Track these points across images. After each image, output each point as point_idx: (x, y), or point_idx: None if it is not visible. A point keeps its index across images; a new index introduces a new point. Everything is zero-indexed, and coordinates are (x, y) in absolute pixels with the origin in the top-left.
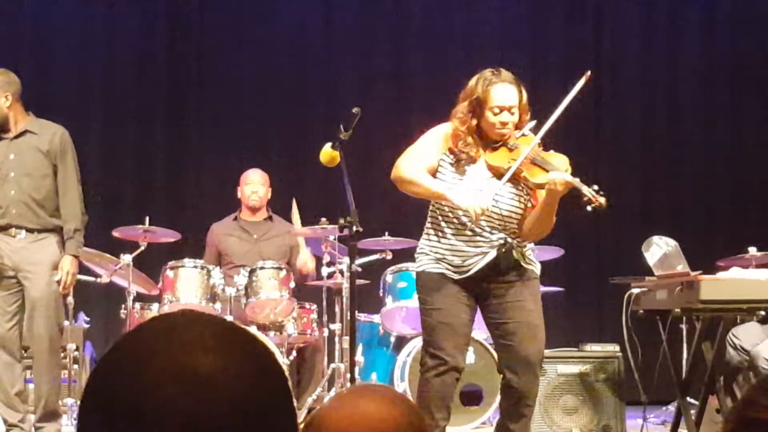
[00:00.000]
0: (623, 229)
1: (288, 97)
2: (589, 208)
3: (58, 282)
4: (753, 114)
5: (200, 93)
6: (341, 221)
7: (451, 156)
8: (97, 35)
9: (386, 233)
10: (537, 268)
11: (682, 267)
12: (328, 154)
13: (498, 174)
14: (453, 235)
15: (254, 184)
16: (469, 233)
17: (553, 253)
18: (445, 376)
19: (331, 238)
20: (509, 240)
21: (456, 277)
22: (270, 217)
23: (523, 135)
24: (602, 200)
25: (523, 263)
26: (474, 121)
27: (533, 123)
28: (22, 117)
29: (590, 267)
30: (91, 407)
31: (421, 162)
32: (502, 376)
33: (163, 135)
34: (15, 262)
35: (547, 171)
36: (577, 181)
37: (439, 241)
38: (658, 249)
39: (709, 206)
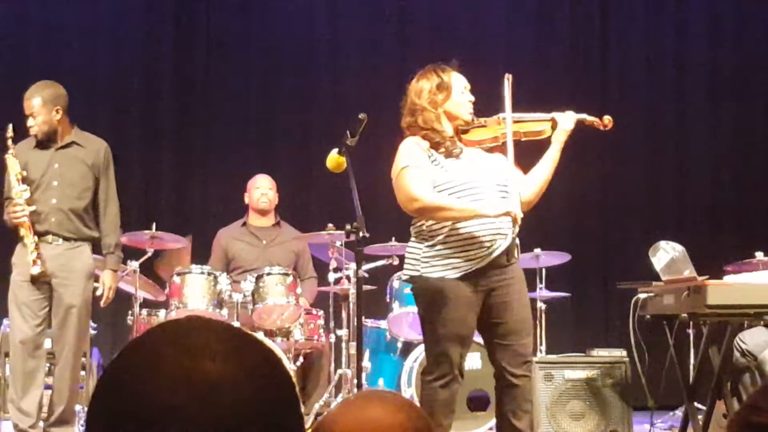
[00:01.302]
0: (630, 234)
1: (294, 103)
2: (602, 128)
3: (100, 296)
4: (760, 117)
5: (206, 99)
6: (348, 227)
7: (436, 151)
8: (104, 41)
9: (393, 239)
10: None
11: (689, 272)
12: (334, 159)
13: (487, 146)
14: (466, 224)
15: (263, 188)
16: (483, 218)
17: (560, 258)
18: (452, 384)
19: (338, 243)
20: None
21: (471, 269)
22: (278, 223)
23: (479, 121)
24: (607, 119)
25: (517, 251)
26: (440, 109)
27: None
28: (68, 129)
29: (597, 272)
30: (98, 414)
31: (428, 180)
32: (500, 378)
33: (169, 141)
34: (51, 268)
35: (542, 120)
36: (578, 114)
37: (447, 237)
38: (665, 254)
39: (716, 211)
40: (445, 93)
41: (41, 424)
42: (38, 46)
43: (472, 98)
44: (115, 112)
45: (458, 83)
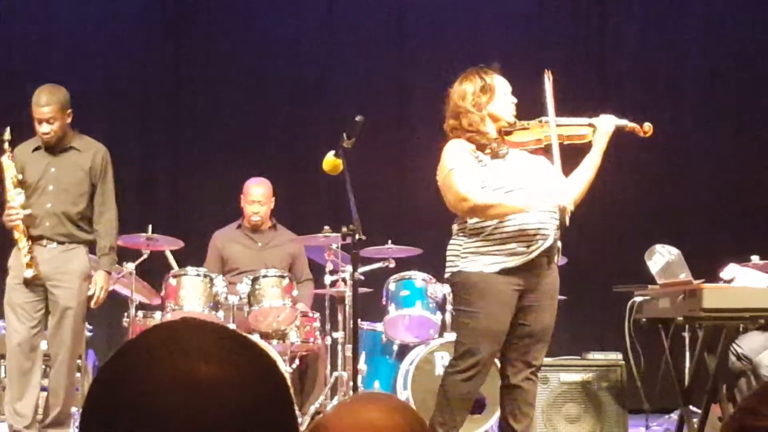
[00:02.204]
0: (626, 237)
1: (291, 105)
2: (642, 135)
3: (91, 297)
4: (758, 120)
5: (203, 100)
6: (344, 229)
7: (481, 153)
8: (99, 43)
9: (389, 241)
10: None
11: (684, 275)
12: (331, 162)
13: (531, 149)
14: (510, 223)
15: (255, 205)
16: (527, 217)
17: None
18: (475, 380)
19: (334, 246)
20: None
21: (511, 264)
22: (274, 226)
23: (522, 123)
24: (647, 126)
25: (558, 254)
26: (485, 111)
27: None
28: (68, 132)
29: (593, 275)
30: (92, 415)
31: (476, 179)
32: (504, 377)
33: (165, 142)
34: (45, 271)
35: (583, 125)
36: (619, 120)
37: (490, 234)
38: (661, 257)
39: (712, 214)
40: (489, 95)
41: (37, 425)
42: (32, 47)
43: (515, 100)
44: (111, 114)
45: (501, 86)
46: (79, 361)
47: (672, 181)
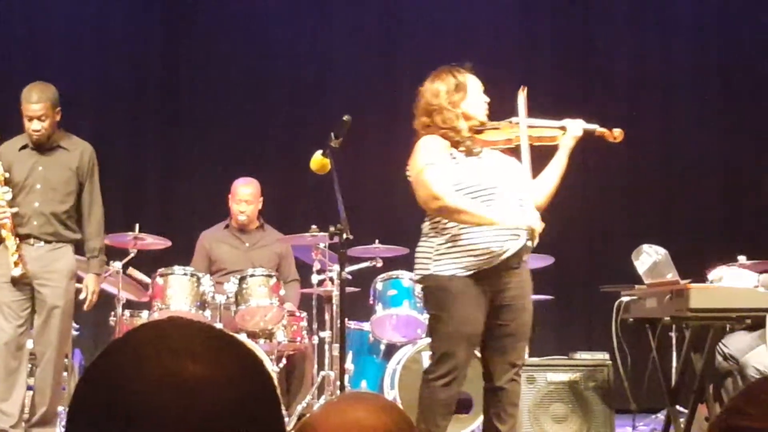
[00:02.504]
0: (613, 237)
1: (279, 105)
2: (612, 140)
3: (83, 300)
4: (745, 121)
5: (191, 100)
6: (331, 229)
7: (455, 150)
8: (89, 42)
9: (376, 241)
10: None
11: (671, 275)
12: (318, 161)
13: (499, 148)
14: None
15: (242, 204)
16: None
17: (544, 261)
18: (454, 384)
19: (322, 245)
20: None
21: (482, 268)
22: (261, 226)
23: (493, 123)
24: (617, 132)
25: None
26: (459, 109)
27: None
28: (56, 131)
29: (580, 275)
30: (79, 414)
31: (449, 179)
32: (488, 379)
33: (153, 141)
34: (33, 270)
35: (554, 127)
36: (588, 125)
37: (460, 235)
38: (648, 257)
39: (699, 214)
40: (462, 93)
41: (23, 425)
42: (21, 47)
43: (487, 99)
44: (100, 113)
45: (474, 84)
46: (65, 360)
47: (659, 182)
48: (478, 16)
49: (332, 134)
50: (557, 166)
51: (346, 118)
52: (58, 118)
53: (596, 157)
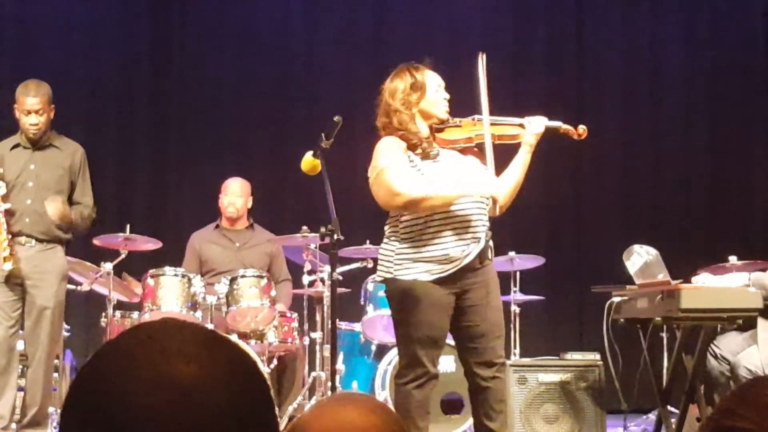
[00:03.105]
0: (604, 237)
1: (269, 106)
2: (576, 138)
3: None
4: (734, 122)
5: (181, 101)
6: (322, 229)
7: (413, 153)
8: (79, 44)
9: (367, 241)
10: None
11: (662, 276)
12: (309, 162)
13: (460, 146)
14: (440, 226)
15: (232, 195)
16: (457, 221)
17: (535, 261)
18: (426, 386)
19: (312, 246)
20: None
21: (444, 273)
22: (251, 226)
23: (455, 121)
24: (582, 129)
25: (491, 253)
26: (415, 108)
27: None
28: (48, 130)
29: (571, 276)
30: (71, 416)
31: (408, 173)
32: (471, 380)
33: (143, 143)
34: (24, 270)
35: (515, 125)
36: (551, 122)
37: (421, 239)
38: (639, 258)
39: (690, 215)
40: (419, 92)
41: (14, 426)
42: (12, 47)
43: (448, 96)
44: (90, 113)
45: (432, 81)
46: (56, 361)
47: (650, 182)
48: (470, 17)
49: (323, 135)
50: (519, 165)
51: (336, 119)
52: (52, 115)
53: (587, 157)
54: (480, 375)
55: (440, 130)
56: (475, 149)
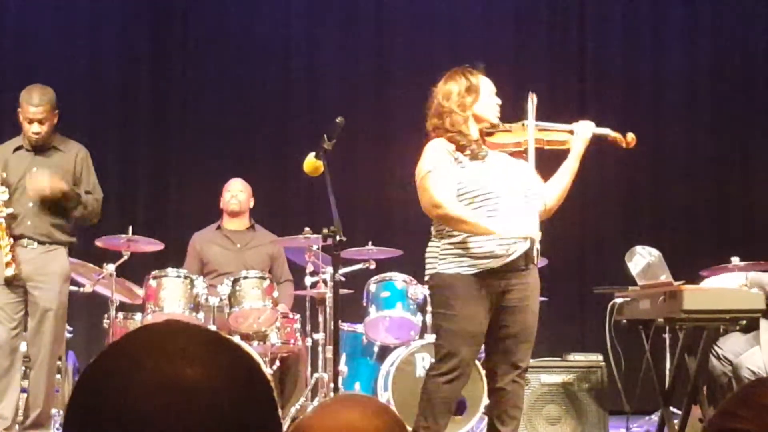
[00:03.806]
0: (607, 238)
1: (272, 107)
2: (624, 146)
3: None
4: (737, 123)
5: (183, 102)
6: (325, 231)
7: (461, 154)
8: (80, 46)
9: (370, 243)
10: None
11: (665, 277)
12: (311, 163)
13: (511, 151)
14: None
15: (234, 190)
16: (505, 218)
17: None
18: (457, 382)
19: (315, 247)
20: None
21: (487, 268)
22: (252, 226)
23: (505, 126)
24: (630, 136)
25: (537, 257)
26: (469, 112)
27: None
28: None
29: (574, 277)
30: (75, 417)
31: (452, 186)
32: (492, 381)
33: (146, 144)
34: (26, 272)
35: (565, 131)
36: (599, 129)
37: (463, 238)
38: (642, 259)
39: (693, 216)
40: (474, 95)
41: (17, 427)
42: (14, 49)
43: (499, 102)
44: (92, 114)
45: (486, 86)
46: (59, 362)
47: (652, 183)
48: (472, 21)
49: (325, 136)
50: (567, 171)
51: (339, 120)
52: (56, 121)
53: (589, 158)
54: (501, 375)
55: (490, 134)
56: (524, 154)
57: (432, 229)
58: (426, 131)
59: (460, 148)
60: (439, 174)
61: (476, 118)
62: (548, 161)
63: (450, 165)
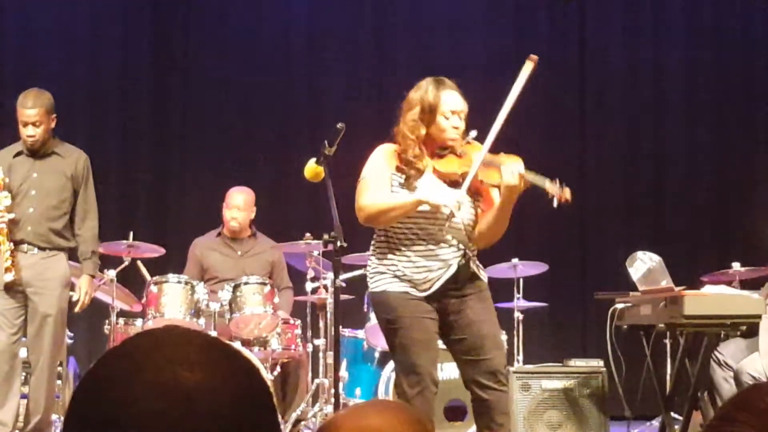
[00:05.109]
0: (607, 244)
1: (273, 113)
2: (555, 204)
3: (76, 302)
4: (738, 130)
5: (184, 108)
6: (326, 236)
7: (399, 174)
8: (81, 52)
9: (370, 248)
10: (485, 279)
11: (666, 282)
12: (312, 169)
13: (449, 181)
14: (411, 251)
15: (234, 210)
16: (430, 247)
17: (538, 268)
18: (426, 392)
19: (316, 253)
20: (467, 251)
21: (418, 294)
22: (253, 234)
23: (468, 143)
24: (567, 193)
25: (478, 274)
26: (423, 130)
27: (474, 132)
28: (50, 138)
29: (574, 282)
30: (75, 423)
31: (380, 192)
32: (471, 392)
33: (147, 150)
34: (26, 277)
35: (497, 168)
36: (533, 175)
37: (397, 259)
38: (643, 264)
39: (693, 221)
40: (429, 118)
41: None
42: (14, 54)
43: (459, 125)
44: (93, 122)
45: (448, 104)
46: (60, 368)
47: (653, 188)
48: (473, 25)
49: (326, 142)
50: (496, 211)
51: (339, 125)
52: (53, 124)
53: (590, 164)
54: (479, 386)
55: (441, 157)
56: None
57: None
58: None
59: (400, 169)
60: (371, 181)
61: (430, 139)
62: None
63: (386, 175)
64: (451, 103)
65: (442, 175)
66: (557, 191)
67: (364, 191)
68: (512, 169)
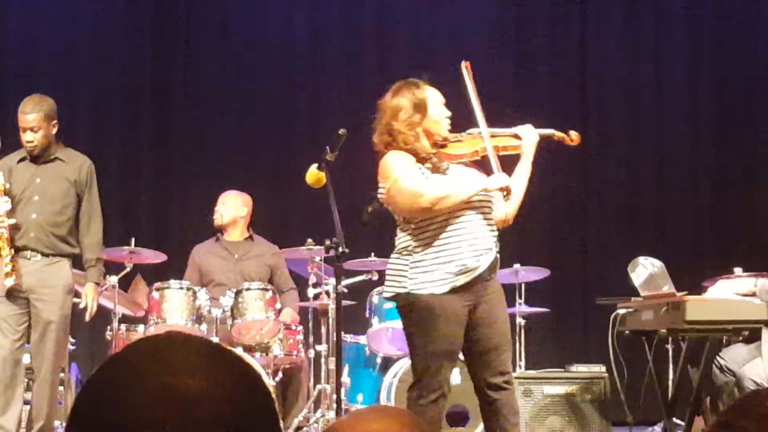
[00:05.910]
0: (609, 249)
1: (274, 119)
2: (569, 140)
3: (83, 310)
4: (739, 133)
5: (185, 114)
6: (327, 242)
7: (422, 166)
8: (82, 56)
9: (372, 254)
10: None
11: (668, 288)
12: (314, 175)
13: (466, 161)
14: (454, 236)
15: (219, 205)
16: (470, 231)
17: (540, 274)
18: (441, 401)
19: (317, 259)
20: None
21: (459, 282)
22: (250, 237)
23: (458, 139)
24: (574, 135)
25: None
26: (419, 128)
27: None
28: (53, 144)
29: (576, 288)
30: (77, 429)
31: (428, 181)
32: (481, 396)
33: (148, 156)
34: (29, 284)
35: (509, 136)
36: (540, 130)
37: (436, 249)
38: (644, 270)
39: (695, 227)
40: (421, 113)
41: None
42: (16, 60)
43: (449, 113)
44: (94, 127)
45: (434, 99)
46: (62, 374)
47: (655, 194)
48: (474, 28)
49: (327, 148)
50: (522, 175)
51: (341, 131)
52: (53, 130)
53: (592, 169)
54: (491, 387)
55: (444, 146)
56: (477, 163)
57: (397, 242)
58: (376, 148)
59: (420, 161)
60: (410, 175)
61: (426, 133)
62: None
63: (416, 169)
64: (437, 95)
65: (455, 157)
66: (565, 135)
67: (411, 182)
68: (530, 130)
